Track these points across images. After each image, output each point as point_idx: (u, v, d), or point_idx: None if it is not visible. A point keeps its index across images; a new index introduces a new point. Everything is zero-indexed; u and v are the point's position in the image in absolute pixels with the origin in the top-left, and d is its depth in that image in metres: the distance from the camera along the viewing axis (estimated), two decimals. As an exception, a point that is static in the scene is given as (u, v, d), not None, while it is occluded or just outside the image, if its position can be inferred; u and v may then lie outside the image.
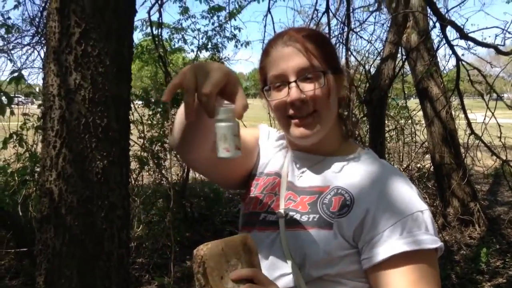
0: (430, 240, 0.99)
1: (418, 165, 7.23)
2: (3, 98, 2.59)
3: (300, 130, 1.10)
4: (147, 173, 5.98)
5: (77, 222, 1.78)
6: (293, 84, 1.07)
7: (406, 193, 1.05)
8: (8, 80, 3.08)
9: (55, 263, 1.77)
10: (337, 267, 1.03)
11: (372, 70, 3.66)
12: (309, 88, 1.08)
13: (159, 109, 6.25)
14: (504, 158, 4.73)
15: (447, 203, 6.07)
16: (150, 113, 6.27)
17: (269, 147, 1.29)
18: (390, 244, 0.99)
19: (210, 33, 6.84)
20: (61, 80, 1.83)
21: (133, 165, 5.43)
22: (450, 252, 5.05)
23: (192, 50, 6.93)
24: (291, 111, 1.09)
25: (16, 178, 3.45)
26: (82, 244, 1.79)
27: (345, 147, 1.16)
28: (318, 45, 1.10)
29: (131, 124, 4.69)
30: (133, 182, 4.22)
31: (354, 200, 1.05)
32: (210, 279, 0.87)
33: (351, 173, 1.11)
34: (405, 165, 7.01)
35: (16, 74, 2.99)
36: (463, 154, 6.02)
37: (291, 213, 1.10)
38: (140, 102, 6.54)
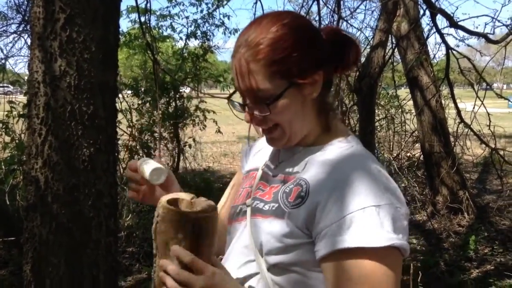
0: (380, 238, 0.90)
1: (408, 154, 7.26)
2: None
3: (269, 141, 1.11)
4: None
5: (63, 210, 1.76)
6: (246, 107, 1.06)
7: (363, 186, 0.95)
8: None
9: (42, 252, 1.76)
10: (291, 255, 1.01)
11: (362, 59, 3.66)
12: (260, 111, 1.04)
13: (149, 98, 6.23)
14: (493, 146, 4.75)
15: (437, 191, 6.11)
16: (140, 102, 6.26)
17: (251, 154, 1.32)
18: (334, 238, 0.93)
19: (199, 21, 6.78)
20: (46, 67, 1.80)
21: (123, 154, 5.41)
22: (439, 240, 5.10)
23: (181, 38, 6.87)
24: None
25: (3, 167, 3.42)
26: (69, 232, 1.78)
27: (325, 137, 1.12)
28: (269, 59, 1.00)
29: (120, 113, 4.68)
30: (122, 171, 4.19)
31: (309, 191, 1.02)
32: (158, 238, 0.91)
33: (317, 163, 1.08)
34: (395, 154, 7.04)
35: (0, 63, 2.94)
36: (453, 143, 6.06)
37: (255, 202, 1.10)
38: (129, 92, 6.51)
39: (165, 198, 0.92)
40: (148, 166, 1.12)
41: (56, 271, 1.75)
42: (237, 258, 1.09)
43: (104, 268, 1.86)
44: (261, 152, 1.26)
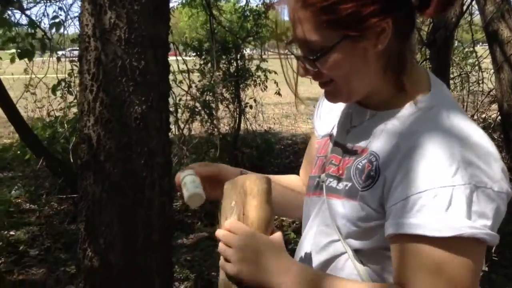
0: (446, 227, 0.76)
1: (484, 116, 6.78)
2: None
3: (326, 95, 0.98)
4: (200, 124, 5.97)
5: (116, 169, 1.72)
6: (299, 60, 0.93)
7: (437, 159, 0.79)
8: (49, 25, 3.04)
9: (96, 210, 1.74)
10: (375, 238, 0.89)
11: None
12: (309, 65, 0.91)
13: (210, 58, 6.16)
14: None
15: (514, 155, 5.67)
16: (202, 62, 6.19)
17: (323, 111, 1.17)
18: (398, 220, 0.81)
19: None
20: (96, 20, 1.73)
21: (185, 115, 5.43)
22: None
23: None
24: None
25: (66, 126, 3.49)
26: (122, 191, 1.75)
27: (401, 97, 0.92)
28: (318, 6, 0.83)
29: (182, 74, 4.65)
30: (181, 131, 4.17)
31: (380, 168, 0.88)
32: (220, 218, 0.96)
33: (388, 132, 0.91)
34: (470, 115, 6.60)
35: (57, 20, 2.95)
36: (535, 103, 5.55)
37: (329, 180, 0.98)
38: (193, 54, 6.47)
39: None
40: (186, 192, 1.04)
41: (109, 229, 1.73)
42: (319, 237, 0.99)
43: (157, 228, 1.82)
44: (334, 111, 1.09)
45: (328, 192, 0.97)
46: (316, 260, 0.98)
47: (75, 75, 3.85)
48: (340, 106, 1.06)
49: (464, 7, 3.38)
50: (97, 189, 1.73)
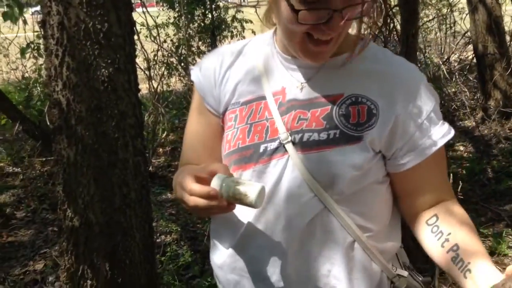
0: (449, 129, 1.01)
1: (460, 57, 6.84)
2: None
3: (315, 55, 0.95)
4: (178, 79, 5.95)
5: (88, 132, 1.76)
6: (337, 14, 0.86)
7: (424, 87, 1.00)
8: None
9: (71, 173, 1.79)
10: (368, 177, 0.99)
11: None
12: (350, 15, 0.88)
13: (185, 11, 6.06)
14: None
15: (488, 95, 5.78)
16: (176, 15, 6.10)
17: (222, 73, 1.09)
18: (423, 144, 0.99)
19: None
20: (55, -17, 1.71)
21: (162, 70, 5.39)
22: (488, 146, 4.90)
23: None
24: (316, 35, 0.90)
25: (39, 89, 3.47)
26: (96, 153, 1.79)
27: (346, 40, 0.99)
28: None
29: (157, 29, 4.58)
30: (156, 87, 4.15)
31: (379, 107, 0.97)
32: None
33: (363, 73, 0.99)
34: (445, 58, 6.64)
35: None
36: (508, 43, 5.61)
37: (307, 134, 0.97)
38: (166, 7, 6.34)
39: None
40: (246, 188, 0.90)
41: (87, 190, 1.79)
42: (291, 202, 0.98)
43: (134, 187, 1.89)
44: (237, 76, 1.07)
45: (305, 147, 0.97)
46: (299, 223, 0.98)
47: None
48: (251, 73, 1.06)
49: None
50: (71, 152, 1.77)
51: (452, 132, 1.01)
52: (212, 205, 0.92)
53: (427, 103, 0.99)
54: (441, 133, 0.99)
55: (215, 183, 0.92)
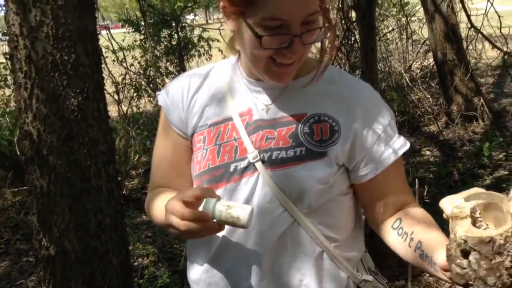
0: (404, 141, 1.09)
1: (421, 65, 7.07)
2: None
3: (279, 76, 1.01)
4: (147, 101, 5.96)
5: (60, 161, 1.79)
6: (297, 38, 0.93)
7: (379, 103, 1.09)
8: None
9: (45, 202, 1.81)
10: (333, 190, 1.05)
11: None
12: (309, 39, 0.96)
13: (150, 33, 6.10)
14: (505, 49, 4.57)
15: (451, 100, 6.00)
16: (142, 37, 6.15)
17: (189, 97, 1.13)
18: (381, 157, 1.05)
19: None
20: (22, 18, 1.75)
21: (131, 92, 5.40)
22: (453, 150, 5.09)
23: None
24: (279, 59, 0.96)
25: (8, 119, 3.46)
26: (69, 181, 1.82)
27: (303, 64, 1.05)
28: None
29: (123, 52, 4.60)
30: (126, 111, 4.18)
31: (340, 123, 1.04)
32: None
33: (322, 93, 1.07)
34: (407, 66, 6.86)
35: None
36: (465, 49, 5.85)
37: (275, 152, 1.03)
38: (131, 30, 6.37)
39: None
40: (238, 212, 0.93)
41: (61, 219, 1.81)
42: (263, 217, 1.03)
43: (108, 212, 1.92)
44: (204, 99, 1.12)
45: (273, 165, 1.02)
46: (271, 236, 1.03)
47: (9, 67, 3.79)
48: (217, 96, 1.11)
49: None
50: (44, 182, 1.79)
51: (408, 145, 1.08)
52: (205, 228, 0.94)
53: (383, 118, 1.06)
54: (397, 146, 1.06)
55: (206, 207, 0.94)
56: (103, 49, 3.58)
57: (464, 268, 0.70)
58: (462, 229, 0.71)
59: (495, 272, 0.68)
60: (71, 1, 1.78)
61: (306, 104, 1.07)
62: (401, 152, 1.07)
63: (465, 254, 0.70)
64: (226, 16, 1.01)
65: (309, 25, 0.94)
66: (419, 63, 7.18)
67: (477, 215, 0.74)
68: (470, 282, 0.70)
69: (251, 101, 1.09)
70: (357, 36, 3.72)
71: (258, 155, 1.03)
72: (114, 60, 4.34)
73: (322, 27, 0.97)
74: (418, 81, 6.42)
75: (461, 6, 6.42)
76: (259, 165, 1.02)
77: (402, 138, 1.09)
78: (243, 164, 1.04)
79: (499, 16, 4.52)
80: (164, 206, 0.98)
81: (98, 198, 1.88)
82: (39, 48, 1.76)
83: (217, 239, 1.07)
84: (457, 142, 5.27)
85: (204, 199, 0.95)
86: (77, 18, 1.81)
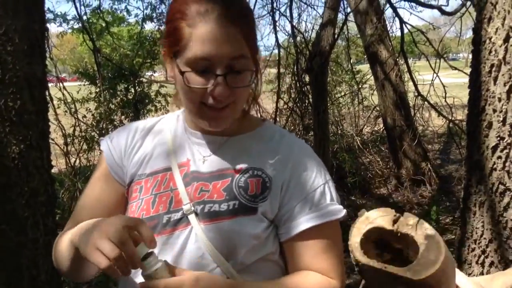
0: (336, 211, 1.02)
1: (372, 129, 7.33)
2: None
3: (214, 120, 1.00)
4: (99, 153, 5.83)
5: (-5, 211, 1.69)
6: (220, 78, 0.93)
7: (313, 166, 1.05)
8: None
9: (-26, 256, 1.68)
10: (266, 247, 1.02)
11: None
12: (236, 83, 0.95)
13: (106, 85, 6.08)
14: (450, 118, 4.82)
15: (400, 164, 6.20)
16: (97, 90, 6.10)
17: (132, 146, 1.12)
18: (300, 219, 1.01)
19: (154, 2, 6.59)
20: (-33, 62, 1.70)
21: (83, 145, 5.27)
22: (402, 213, 5.18)
23: (137, 22, 6.70)
24: (209, 101, 0.96)
25: None
26: (4, 233, 1.71)
27: (246, 123, 1.09)
28: (250, 27, 0.97)
29: (75, 104, 4.55)
30: (74, 163, 4.06)
31: (272, 180, 1.03)
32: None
33: (261, 150, 1.07)
34: (358, 130, 7.10)
35: None
36: (413, 116, 6.13)
37: (207, 205, 1.00)
38: (87, 83, 6.34)
39: None
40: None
41: (-9, 274, 1.68)
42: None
43: (45, 268, 1.80)
44: (146, 150, 1.11)
45: (208, 217, 1.00)
46: None
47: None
48: (159, 149, 1.10)
49: (340, 34, 3.69)
50: (-25, 234, 1.68)
51: (341, 214, 1.02)
52: (127, 271, 0.85)
53: (315, 180, 1.03)
54: (324, 212, 1.01)
55: (149, 261, 0.88)
56: (55, 101, 3.51)
57: None
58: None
59: None
60: (21, 46, 1.75)
61: (244, 158, 1.06)
62: (325, 220, 1.01)
63: None
64: (166, 62, 1.02)
65: (233, 68, 0.94)
66: (369, 127, 7.45)
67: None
68: None
69: (191, 152, 1.08)
70: (311, 100, 3.84)
71: (192, 207, 1.00)
72: (66, 111, 4.25)
73: (251, 71, 0.97)
74: (369, 144, 6.63)
75: (409, 76, 6.83)
76: (192, 217, 1.00)
77: (335, 206, 1.03)
78: (177, 216, 1.01)
79: (444, 87, 4.79)
80: (87, 227, 0.90)
81: (35, 252, 1.77)
82: (-17, 93, 1.70)
83: None
84: (406, 205, 5.39)
85: (152, 252, 0.88)
86: (26, 64, 1.77)
